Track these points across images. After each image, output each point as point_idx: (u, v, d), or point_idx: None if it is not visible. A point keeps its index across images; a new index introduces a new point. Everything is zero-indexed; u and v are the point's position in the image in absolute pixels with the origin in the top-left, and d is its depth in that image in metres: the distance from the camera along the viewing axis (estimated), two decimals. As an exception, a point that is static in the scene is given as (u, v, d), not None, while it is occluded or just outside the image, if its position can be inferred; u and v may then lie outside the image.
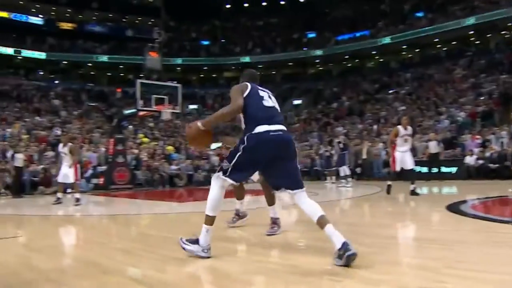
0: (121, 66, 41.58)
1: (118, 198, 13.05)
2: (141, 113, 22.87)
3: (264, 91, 4.06)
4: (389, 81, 34.38)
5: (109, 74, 42.24)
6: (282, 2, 46.15)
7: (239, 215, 5.86)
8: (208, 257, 3.78)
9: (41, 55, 38.81)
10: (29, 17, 39.72)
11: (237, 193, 5.89)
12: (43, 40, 39.70)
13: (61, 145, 11.29)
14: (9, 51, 37.51)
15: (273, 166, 3.78)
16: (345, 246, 3.33)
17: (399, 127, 10.11)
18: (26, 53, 38.34)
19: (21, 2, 39.70)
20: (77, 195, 10.73)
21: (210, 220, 3.81)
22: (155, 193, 15.58)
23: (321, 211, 3.63)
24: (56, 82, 39.06)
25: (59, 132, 23.79)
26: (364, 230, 5.25)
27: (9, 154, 17.52)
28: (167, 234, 5.37)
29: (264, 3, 46.88)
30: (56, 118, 28.65)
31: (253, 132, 3.74)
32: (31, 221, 7.91)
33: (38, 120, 27.52)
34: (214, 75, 43.84)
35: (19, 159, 15.33)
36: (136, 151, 21.47)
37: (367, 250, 3.79)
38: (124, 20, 44.04)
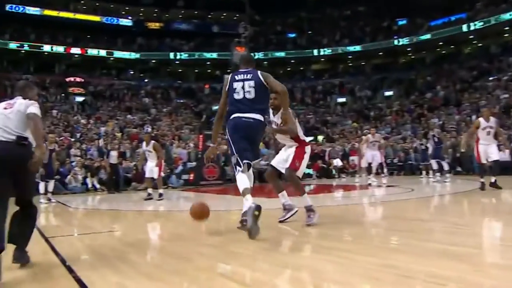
0: (208, 63, 42.68)
1: (208, 193, 13.25)
2: None
3: (240, 80, 4.99)
4: (489, 67, 32.43)
5: (196, 70, 43.43)
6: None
7: (286, 208, 5.76)
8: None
9: (132, 55, 40.90)
10: (120, 19, 41.97)
11: (275, 187, 5.82)
12: (133, 40, 41.78)
13: (144, 143, 11.82)
14: (102, 53, 39.89)
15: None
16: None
17: (481, 119, 10.07)
18: (118, 54, 40.54)
19: (111, 6, 42.02)
20: (160, 191, 11.27)
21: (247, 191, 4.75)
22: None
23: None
24: (146, 80, 40.95)
25: (149, 129, 24.71)
26: (466, 230, 4.99)
27: (104, 151, 18.50)
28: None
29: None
30: (147, 116, 29.97)
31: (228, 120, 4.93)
32: (125, 216, 8.30)
33: (130, 118, 28.70)
34: (301, 68, 43.62)
35: (114, 156, 16.01)
36: (225, 147, 21.54)
37: (472, 252, 3.58)
38: (210, 16, 45.11)
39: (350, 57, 40.90)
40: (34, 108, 3.98)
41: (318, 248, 4.19)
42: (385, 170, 18.42)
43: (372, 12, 43.08)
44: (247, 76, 4.97)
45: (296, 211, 5.68)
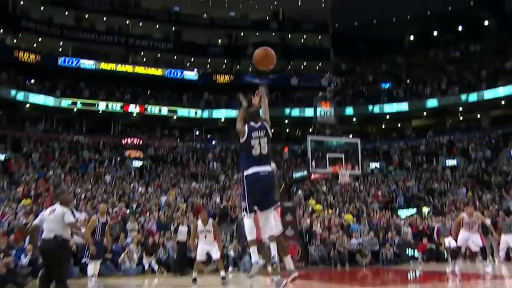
0: (286, 121, 42.96)
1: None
2: (313, 175, 22.88)
3: (256, 137, 6.74)
4: None
5: (272, 130, 43.42)
6: (486, 23, 44.42)
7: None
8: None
9: (197, 113, 42.19)
10: (184, 72, 43.64)
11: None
12: (199, 96, 43.34)
13: (200, 222, 11.71)
14: (164, 110, 41.53)
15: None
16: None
17: None
18: (182, 111, 42.02)
19: (175, 57, 44.31)
20: (222, 273, 11.24)
21: (252, 243, 6.63)
22: (333, 274, 15.37)
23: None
24: (214, 142, 41.81)
25: (218, 200, 25.10)
26: None
27: (172, 227, 18.79)
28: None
29: (460, 28, 45.76)
30: (215, 184, 30.41)
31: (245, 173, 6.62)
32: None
33: (195, 187, 29.20)
34: (399, 125, 43.36)
35: (183, 232, 15.99)
36: (308, 221, 21.06)
37: None
38: (288, 67, 45.83)
39: (461, 109, 40.08)
40: (68, 217, 7.80)
41: None
42: (498, 255, 17.20)
43: (489, 51, 42.32)
44: (261, 133, 6.66)
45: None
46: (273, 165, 6.92)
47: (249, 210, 6.51)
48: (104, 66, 40.92)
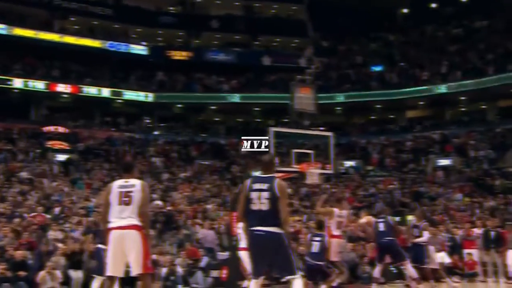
0: (256, 108, 41.68)
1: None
2: (277, 175, 20.67)
3: (257, 189, 6.49)
4: None
5: (240, 120, 42.46)
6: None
7: None
8: None
9: (148, 96, 39.72)
10: (131, 45, 41.00)
11: None
12: (151, 76, 41.08)
13: None
14: (106, 93, 38.74)
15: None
16: None
17: None
18: (129, 94, 39.28)
19: (116, 26, 41.61)
20: None
21: None
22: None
23: None
24: (156, 133, 39.85)
25: (160, 203, 23.59)
26: None
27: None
28: None
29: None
30: (156, 183, 28.68)
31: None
32: None
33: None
34: (391, 116, 41.90)
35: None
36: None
37: None
38: (257, 42, 44.11)
39: (462, 98, 38.36)
40: None
41: None
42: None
43: (498, 28, 40.47)
44: (263, 186, 6.44)
45: None
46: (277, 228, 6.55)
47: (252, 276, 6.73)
48: (20, 32, 37.06)
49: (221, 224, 20.52)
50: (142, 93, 39.48)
